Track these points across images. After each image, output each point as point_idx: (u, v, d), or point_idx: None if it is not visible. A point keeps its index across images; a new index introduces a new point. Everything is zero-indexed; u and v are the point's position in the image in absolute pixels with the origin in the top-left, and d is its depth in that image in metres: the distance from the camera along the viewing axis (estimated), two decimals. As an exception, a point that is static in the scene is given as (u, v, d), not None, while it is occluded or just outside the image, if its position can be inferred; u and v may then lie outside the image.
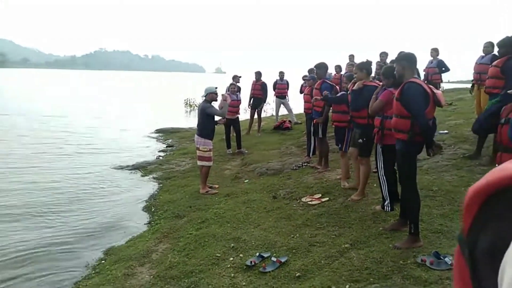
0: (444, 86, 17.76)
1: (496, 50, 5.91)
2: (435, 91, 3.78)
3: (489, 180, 0.40)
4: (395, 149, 3.89)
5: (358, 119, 5.14)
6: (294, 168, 7.30)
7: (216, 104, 6.89)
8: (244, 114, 12.16)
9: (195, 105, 21.07)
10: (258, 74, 10.97)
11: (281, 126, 11.34)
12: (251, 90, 10.88)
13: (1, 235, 5.36)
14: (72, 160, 9.60)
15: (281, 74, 11.56)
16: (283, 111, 12.18)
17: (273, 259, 3.97)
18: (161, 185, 7.75)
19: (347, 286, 3.31)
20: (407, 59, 3.82)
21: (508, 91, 2.84)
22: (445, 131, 7.71)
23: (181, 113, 20.74)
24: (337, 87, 6.79)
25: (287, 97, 11.68)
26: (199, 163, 6.66)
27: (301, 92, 9.99)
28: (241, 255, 4.25)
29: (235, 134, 9.35)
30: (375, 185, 5.35)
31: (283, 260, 3.96)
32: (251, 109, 11.12)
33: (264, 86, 10.89)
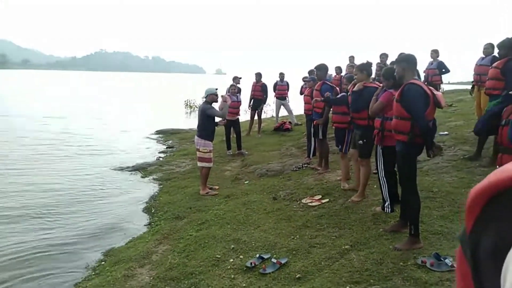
0: (444, 87, 17.77)
1: (496, 52, 5.92)
2: (435, 92, 3.78)
3: (490, 181, 0.40)
4: (395, 150, 3.89)
5: (358, 121, 5.14)
6: (294, 169, 7.29)
7: (216, 105, 6.89)
8: (244, 115, 12.15)
9: (195, 106, 21.09)
10: (258, 75, 10.98)
11: (281, 127, 11.35)
12: (251, 91, 10.89)
13: (1, 237, 5.35)
14: (72, 161, 9.60)
15: (281, 75, 11.57)
16: (283, 112, 12.19)
17: (273, 260, 3.97)
18: (161, 186, 7.74)
19: (347, 288, 3.31)
20: (407, 61, 3.83)
21: (509, 92, 2.85)
22: (445, 133, 7.71)
23: (181, 114, 20.75)
24: (337, 88, 6.79)
25: (287, 98, 11.69)
26: (199, 164, 6.66)
27: (301, 93, 10.00)
28: (241, 256, 4.25)
29: (235, 135, 9.35)
30: (375, 186, 5.35)
31: (283, 261, 3.96)
32: (251, 110, 11.13)
33: (264, 87, 10.89)
